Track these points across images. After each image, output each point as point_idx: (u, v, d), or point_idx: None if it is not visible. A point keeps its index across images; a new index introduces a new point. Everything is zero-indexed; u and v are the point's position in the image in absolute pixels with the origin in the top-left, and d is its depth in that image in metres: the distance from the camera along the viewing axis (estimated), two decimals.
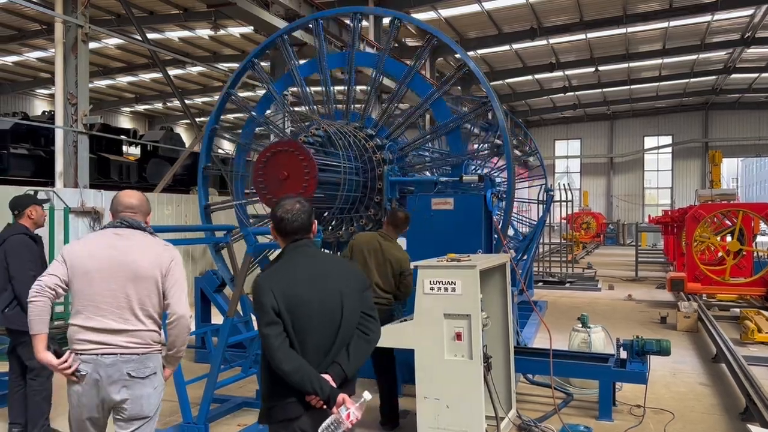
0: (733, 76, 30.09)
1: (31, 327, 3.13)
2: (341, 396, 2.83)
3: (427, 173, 8.81)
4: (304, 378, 2.81)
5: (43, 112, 20.53)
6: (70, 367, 3.13)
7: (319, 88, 8.32)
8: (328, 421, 2.78)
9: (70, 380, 3.18)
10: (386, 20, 16.97)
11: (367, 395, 2.89)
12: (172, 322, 3.28)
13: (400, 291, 5.48)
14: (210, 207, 8.84)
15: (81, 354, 3.15)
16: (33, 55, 23.97)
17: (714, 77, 30.78)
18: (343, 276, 3.06)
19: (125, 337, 3.17)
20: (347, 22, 15.42)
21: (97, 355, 3.13)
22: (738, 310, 10.87)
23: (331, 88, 7.98)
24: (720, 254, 12.47)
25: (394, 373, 5.54)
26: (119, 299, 3.17)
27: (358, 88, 9.66)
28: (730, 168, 35.71)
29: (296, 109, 8.52)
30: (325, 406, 2.83)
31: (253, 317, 5.93)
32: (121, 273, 3.18)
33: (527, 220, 16.06)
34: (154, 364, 3.26)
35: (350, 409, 2.79)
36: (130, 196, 3.41)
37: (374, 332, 3.07)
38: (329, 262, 3.17)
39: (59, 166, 10.74)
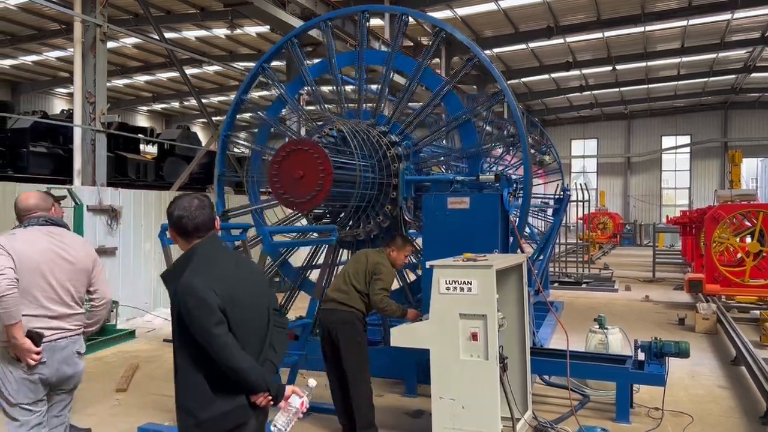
0: (753, 75, 29.69)
1: (10, 317, 3.37)
2: (290, 388, 2.83)
3: (443, 168, 8.74)
4: (260, 375, 2.73)
5: (62, 110, 20.76)
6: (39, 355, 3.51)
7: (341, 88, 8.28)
8: (286, 414, 2.75)
9: (20, 365, 3.51)
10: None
11: (312, 382, 2.90)
12: (103, 304, 3.87)
13: (369, 296, 5.33)
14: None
15: None
16: (52, 55, 24.26)
17: (733, 76, 30.40)
18: (260, 274, 3.12)
19: (71, 321, 3.71)
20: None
21: (52, 341, 3.59)
22: (758, 312, 10.71)
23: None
24: (739, 255, 12.31)
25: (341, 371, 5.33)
26: (65, 288, 3.66)
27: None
28: (749, 168, 35.07)
29: (325, 106, 8.40)
30: (272, 403, 2.78)
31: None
32: (64, 266, 3.66)
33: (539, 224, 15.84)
34: (83, 342, 3.86)
35: (303, 397, 2.81)
36: (29, 198, 3.79)
37: (286, 325, 3.15)
38: (244, 260, 3.21)
39: (77, 164, 10.85)
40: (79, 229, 9.42)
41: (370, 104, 7.99)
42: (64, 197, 8.65)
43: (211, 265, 2.80)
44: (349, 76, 8.76)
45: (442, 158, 8.13)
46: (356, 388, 5.09)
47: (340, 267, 6.84)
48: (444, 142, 10.03)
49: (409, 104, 8.41)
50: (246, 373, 2.69)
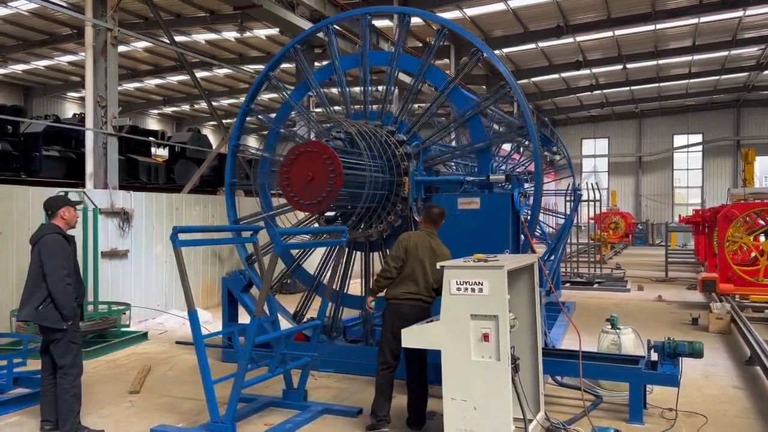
0: (766, 72, 29.39)
1: None
2: None
3: (453, 165, 8.74)
4: None
5: (74, 114, 20.88)
6: None
7: (357, 88, 8.38)
8: None
9: None
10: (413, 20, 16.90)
11: None
12: None
13: (440, 285, 5.39)
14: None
15: None
16: (64, 59, 24.46)
17: (746, 74, 30.15)
18: None
19: None
20: (373, 23, 15.42)
21: None
22: None
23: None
24: (753, 254, 12.21)
25: (425, 376, 5.49)
26: None
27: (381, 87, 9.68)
28: (762, 166, 34.76)
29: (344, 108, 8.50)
30: None
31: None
32: None
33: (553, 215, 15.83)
34: None
35: None
36: None
37: None
38: None
39: (89, 167, 10.92)
40: (95, 232, 9.49)
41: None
42: (80, 202, 8.71)
43: None
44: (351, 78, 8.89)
45: (451, 154, 8.12)
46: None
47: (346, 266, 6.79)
48: (453, 141, 10.02)
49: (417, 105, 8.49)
50: None
